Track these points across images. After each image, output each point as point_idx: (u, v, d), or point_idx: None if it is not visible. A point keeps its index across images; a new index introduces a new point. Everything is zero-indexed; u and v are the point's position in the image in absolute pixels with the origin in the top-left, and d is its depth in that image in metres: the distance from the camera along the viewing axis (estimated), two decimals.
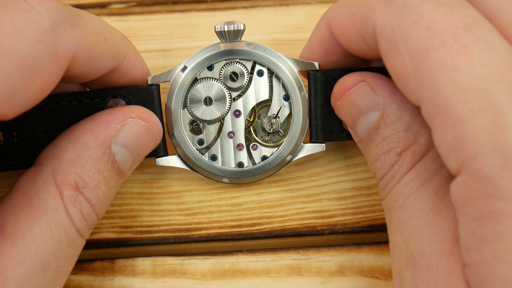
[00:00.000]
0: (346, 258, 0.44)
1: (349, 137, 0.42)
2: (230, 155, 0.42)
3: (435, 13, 0.34)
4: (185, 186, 0.45)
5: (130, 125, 0.39)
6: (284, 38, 0.47)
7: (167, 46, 0.47)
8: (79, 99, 0.40)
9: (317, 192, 0.45)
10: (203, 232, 0.44)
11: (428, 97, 0.33)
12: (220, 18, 0.47)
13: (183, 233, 0.44)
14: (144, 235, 0.44)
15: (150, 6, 0.48)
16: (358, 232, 0.44)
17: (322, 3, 0.48)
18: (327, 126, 0.42)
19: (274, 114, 0.43)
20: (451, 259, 0.34)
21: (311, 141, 0.42)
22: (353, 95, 0.40)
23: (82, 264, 0.44)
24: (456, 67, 0.32)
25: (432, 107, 0.33)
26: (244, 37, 0.42)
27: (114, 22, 0.47)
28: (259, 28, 0.47)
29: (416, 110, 0.39)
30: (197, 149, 0.42)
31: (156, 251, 0.44)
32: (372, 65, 0.43)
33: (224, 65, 0.42)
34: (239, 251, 0.44)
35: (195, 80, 0.42)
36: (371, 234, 0.44)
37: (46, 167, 0.38)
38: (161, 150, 0.41)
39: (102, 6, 0.48)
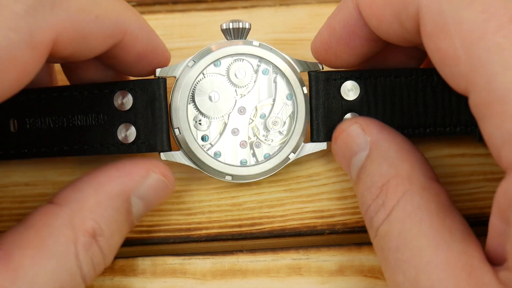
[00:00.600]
0: (346, 258, 0.44)
1: None
2: (233, 152, 0.42)
3: None
4: (185, 186, 0.45)
5: (151, 180, 0.39)
6: (284, 38, 0.47)
7: (167, 46, 0.47)
8: (89, 90, 0.41)
9: (317, 192, 0.45)
10: (203, 232, 0.44)
11: (482, 82, 0.31)
12: (220, 18, 0.47)
13: (183, 233, 0.44)
14: (144, 235, 0.44)
15: (150, 6, 0.48)
16: (358, 232, 0.44)
17: (322, 3, 0.48)
18: (328, 126, 0.42)
19: (277, 113, 0.43)
20: None
21: (312, 141, 0.42)
22: (346, 137, 0.40)
23: None
24: None
25: (487, 93, 0.31)
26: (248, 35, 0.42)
27: None
28: (259, 28, 0.47)
29: (401, 145, 0.38)
30: (201, 145, 0.42)
31: (156, 251, 0.44)
32: (389, 55, 0.43)
33: (231, 63, 0.42)
34: (239, 251, 0.44)
35: (202, 76, 0.42)
36: None
37: (65, 209, 0.37)
38: (165, 145, 0.41)
39: None
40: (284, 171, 0.45)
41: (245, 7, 0.48)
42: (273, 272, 0.44)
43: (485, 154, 0.44)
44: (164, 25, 0.47)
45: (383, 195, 0.37)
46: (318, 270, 0.44)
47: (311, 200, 0.44)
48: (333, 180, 0.45)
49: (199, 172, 0.43)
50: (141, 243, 0.44)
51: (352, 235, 0.44)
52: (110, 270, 0.44)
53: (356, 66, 0.42)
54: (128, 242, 0.44)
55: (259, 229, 0.44)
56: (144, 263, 0.44)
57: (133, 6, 0.48)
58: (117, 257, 0.44)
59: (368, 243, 0.44)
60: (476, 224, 0.39)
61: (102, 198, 0.38)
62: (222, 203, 0.44)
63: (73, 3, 0.34)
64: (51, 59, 0.36)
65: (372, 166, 0.38)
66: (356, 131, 0.40)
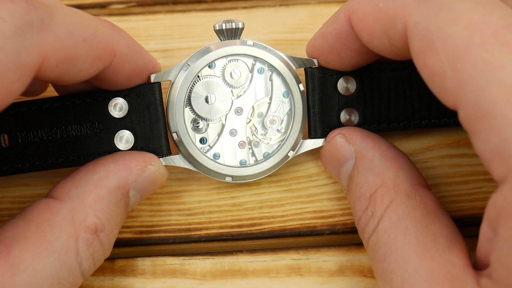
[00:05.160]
0: (346, 258, 0.44)
1: None
2: (232, 153, 0.42)
3: (474, 12, 0.32)
4: (185, 186, 0.45)
5: (149, 172, 0.40)
6: (284, 38, 0.47)
7: (167, 46, 0.47)
8: (82, 99, 0.40)
9: (317, 192, 0.45)
10: (203, 232, 0.44)
11: (469, 97, 0.31)
12: (220, 19, 0.47)
13: (183, 233, 0.44)
14: (144, 235, 0.44)
15: (150, 6, 0.48)
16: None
17: (322, 3, 0.48)
18: (325, 122, 0.42)
19: (274, 111, 0.43)
20: None
21: (310, 137, 0.42)
22: (331, 148, 0.41)
23: None
24: (500, 65, 0.31)
25: (474, 108, 0.31)
26: (244, 37, 0.42)
27: (114, 22, 0.47)
28: (259, 28, 0.47)
29: (385, 152, 0.39)
30: (199, 148, 0.42)
31: (156, 251, 0.44)
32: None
33: (225, 63, 0.42)
34: (239, 251, 0.44)
35: (197, 79, 0.42)
36: None
37: (66, 204, 0.37)
38: (164, 149, 0.41)
39: (102, 6, 0.48)
40: (284, 171, 0.45)
41: (245, 8, 0.48)
42: (273, 273, 0.44)
43: None
44: (164, 25, 0.47)
45: (371, 206, 0.38)
46: (318, 271, 0.44)
47: (311, 200, 0.44)
48: (333, 180, 0.45)
49: (199, 173, 0.43)
50: (141, 243, 0.44)
51: (352, 235, 0.44)
52: (110, 270, 0.44)
53: (349, 70, 0.42)
54: (128, 242, 0.44)
55: (259, 229, 0.44)
56: (144, 263, 0.44)
57: (133, 6, 0.48)
58: (117, 257, 0.44)
59: None
60: (476, 224, 0.39)
61: (103, 193, 0.38)
62: (222, 203, 0.44)
63: (61, 27, 0.34)
64: (37, 80, 0.35)
65: (359, 176, 0.39)
66: (341, 142, 0.40)
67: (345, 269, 0.44)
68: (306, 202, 0.44)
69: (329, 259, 0.44)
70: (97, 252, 0.38)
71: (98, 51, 0.36)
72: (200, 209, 0.44)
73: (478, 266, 0.35)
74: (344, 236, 0.44)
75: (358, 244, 0.44)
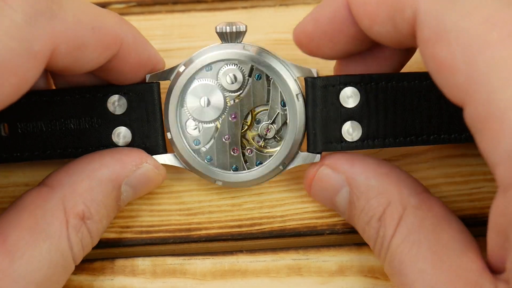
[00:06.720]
0: (346, 258, 0.44)
1: (348, 147, 0.40)
2: (225, 158, 0.42)
3: (492, 5, 0.31)
4: (185, 186, 0.45)
5: (143, 170, 0.40)
6: (284, 38, 0.47)
7: (167, 46, 0.47)
8: (82, 94, 0.41)
9: None
10: (203, 232, 0.44)
11: (480, 96, 0.30)
12: (220, 18, 0.47)
13: (183, 233, 0.44)
14: (144, 235, 0.44)
15: (150, 6, 0.48)
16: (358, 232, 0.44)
17: None
18: (325, 135, 0.40)
19: (271, 120, 0.42)
20: None
21: (308, 150, 0.41)
22: (318, 182, 0.40)
23: (82, 264, 0.44)
24: None
25: (484, 108, 0.30)
26: (244, 37, 0.42)
27: None
28: (259, 28, 0.47)
29: (377, 170, 0.38)
30: (193, 149, 0.42)
31: (156, 251, 0.44)
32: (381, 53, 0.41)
33: (223, 67, 0.42)
34: (239, 251, 0.44)
35: (193, 81, 0.42)
36: None
37: (57, 192, 0.38)
38: (160, 148, 0.42)
39: (102, 6, 0.48)
40: (284, 171, 0.45)
41: (245, 7, 0.48)
42: (273, 273, 0.44)
43: None
44: (164, 25, 0.47)
45: (382, 227, 0.37)
46: (318, 271, 0.44)
47: (311, 200, 0.44)
48: None
49: (192, 172, 0.43)
50: (141, 243, 0.44)
51: (352, 235, 0.44)
52: (110, 270, 0.44)
53: (338, 59, 0.40)
54: (128, 242, 0.44)
55: (259, 229, 0.44)
56: (144, 263, 0.44)
57: (133, 6, 0.48)
58: (117, 257, 0.44)
59: None
60: (476, 224, 0.39)
61: (94, 183, 0.39)
62: (222, 203, 0.44)
63: (70, 15, 0.35)
64: (48, 69, 0.36)
65: (360, 202, 0.38)
66: (327, 174, 0.40)
67: (345, 269, 0.44)
68: (306, 202, 0.44)
69: (329, 259, 0.44)
70: (85, 238, 0.38)
71: (106, 39, 0.37)
72: (200, 209, 0.44)
73: (492, 269, 0.34)
74: (344, 236, 0.44)
75: (358, 244, 0.44)
